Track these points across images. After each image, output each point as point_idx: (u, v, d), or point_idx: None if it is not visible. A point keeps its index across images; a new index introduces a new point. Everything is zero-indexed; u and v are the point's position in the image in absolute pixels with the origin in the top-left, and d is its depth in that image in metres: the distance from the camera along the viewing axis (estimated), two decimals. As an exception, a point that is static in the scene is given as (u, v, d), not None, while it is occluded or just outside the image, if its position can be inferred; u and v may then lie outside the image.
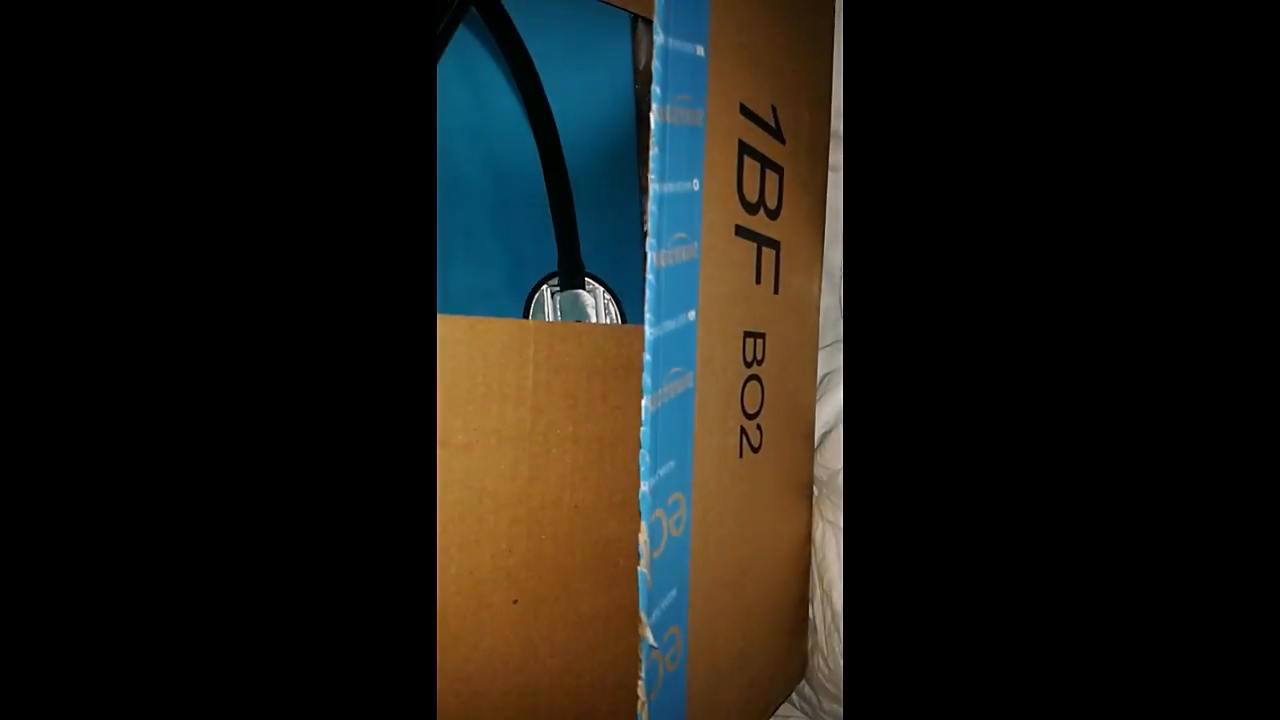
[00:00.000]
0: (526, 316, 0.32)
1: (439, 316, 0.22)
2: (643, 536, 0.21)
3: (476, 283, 0.31)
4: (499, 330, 0.23)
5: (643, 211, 0.35)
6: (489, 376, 0.23)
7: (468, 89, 0.30)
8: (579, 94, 0.32)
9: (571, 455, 0.25)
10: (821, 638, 0.40)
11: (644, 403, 0.20)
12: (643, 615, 0.21)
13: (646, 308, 0.20)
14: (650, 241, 0.20)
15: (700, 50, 0.22)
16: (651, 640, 0.21)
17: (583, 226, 0.33)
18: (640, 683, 0.22)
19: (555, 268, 0.33)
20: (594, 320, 0.34)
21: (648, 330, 0.20)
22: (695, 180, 0.22)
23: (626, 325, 0.31)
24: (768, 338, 0.29)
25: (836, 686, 0.41)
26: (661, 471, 0.21)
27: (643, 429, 0.21)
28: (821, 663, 0.43)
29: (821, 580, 0.37)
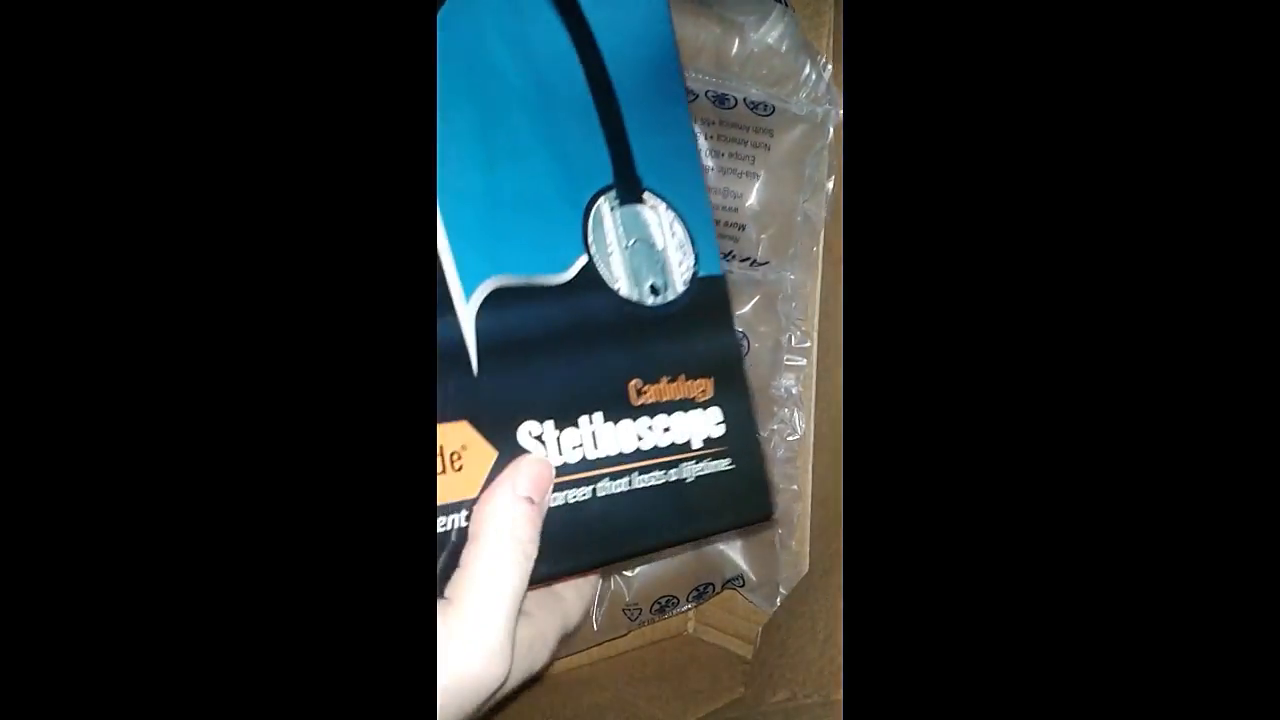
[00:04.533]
0: (585, 232, 0.28)
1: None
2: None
3: (527, 189, 0.27)
4: None
5: (692, 129, 0.32)
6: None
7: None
8: (612, 6, 0.30)
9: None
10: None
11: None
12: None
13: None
14: None
15: None
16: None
17: (633, 144, 0.30)
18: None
19: (610, 181, 0.29)
20: (658, 241, 0.30)
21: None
22: None
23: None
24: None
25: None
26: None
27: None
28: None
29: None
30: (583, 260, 0.28)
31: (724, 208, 0.42)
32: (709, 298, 0.30)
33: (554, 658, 0.26)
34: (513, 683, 0.22)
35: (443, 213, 0.25)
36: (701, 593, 0.49)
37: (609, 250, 0.28)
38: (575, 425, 0.26)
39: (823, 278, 0.45)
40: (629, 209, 0.29)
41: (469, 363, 0.25)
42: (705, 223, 0.31)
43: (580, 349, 0.27)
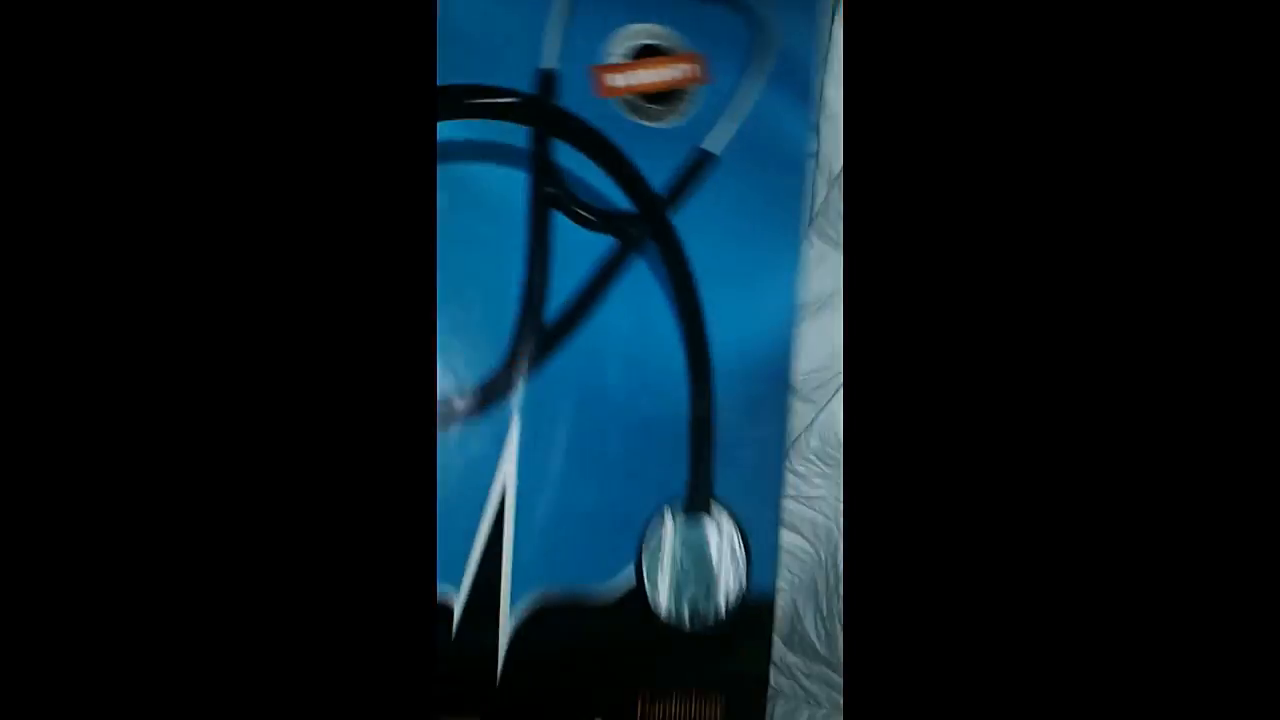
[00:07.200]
0: (642, 537, 0.30)
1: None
2: None
3: (600, 506, 0.29)
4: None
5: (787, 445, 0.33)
6: None
7: (631, 314, 0.29)
8: (737, 315, 0.31)
9: None
10: None
11: None
12: None
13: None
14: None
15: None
16: None
17: (720, 451, 0.31)
18: None
19: (680, 491, 0.30)
20: (713, 557, 0.31)
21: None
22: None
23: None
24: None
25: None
26: None
27: None
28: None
29: None
30: (629, 573, 0.29)
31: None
32: (750, 624, 0.31)
33: None
34: None
35: (515, 521, 0.27)
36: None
37: (660, 558, 0.30)
38: (579, 733, 0.29)
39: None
40: (693, 517, 0.30)
41: (495, 671, 0.27)
42: (770, 543, 0.32)
43: (600, 665, 0.29)
